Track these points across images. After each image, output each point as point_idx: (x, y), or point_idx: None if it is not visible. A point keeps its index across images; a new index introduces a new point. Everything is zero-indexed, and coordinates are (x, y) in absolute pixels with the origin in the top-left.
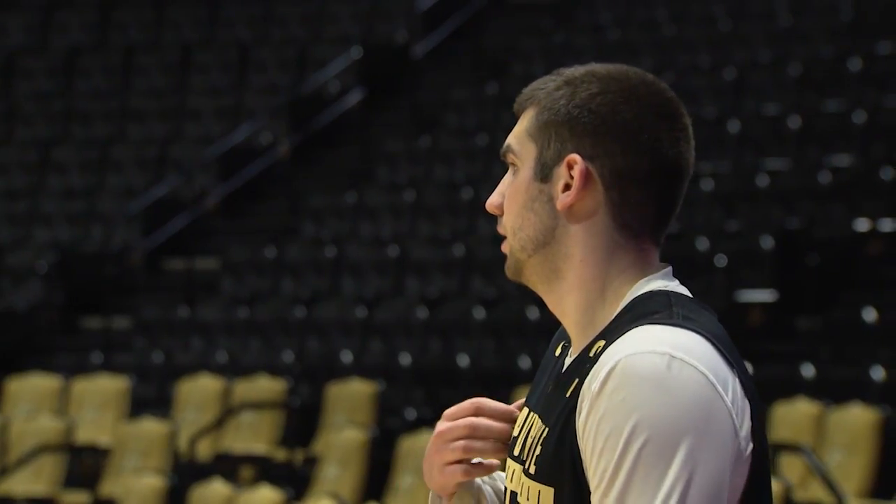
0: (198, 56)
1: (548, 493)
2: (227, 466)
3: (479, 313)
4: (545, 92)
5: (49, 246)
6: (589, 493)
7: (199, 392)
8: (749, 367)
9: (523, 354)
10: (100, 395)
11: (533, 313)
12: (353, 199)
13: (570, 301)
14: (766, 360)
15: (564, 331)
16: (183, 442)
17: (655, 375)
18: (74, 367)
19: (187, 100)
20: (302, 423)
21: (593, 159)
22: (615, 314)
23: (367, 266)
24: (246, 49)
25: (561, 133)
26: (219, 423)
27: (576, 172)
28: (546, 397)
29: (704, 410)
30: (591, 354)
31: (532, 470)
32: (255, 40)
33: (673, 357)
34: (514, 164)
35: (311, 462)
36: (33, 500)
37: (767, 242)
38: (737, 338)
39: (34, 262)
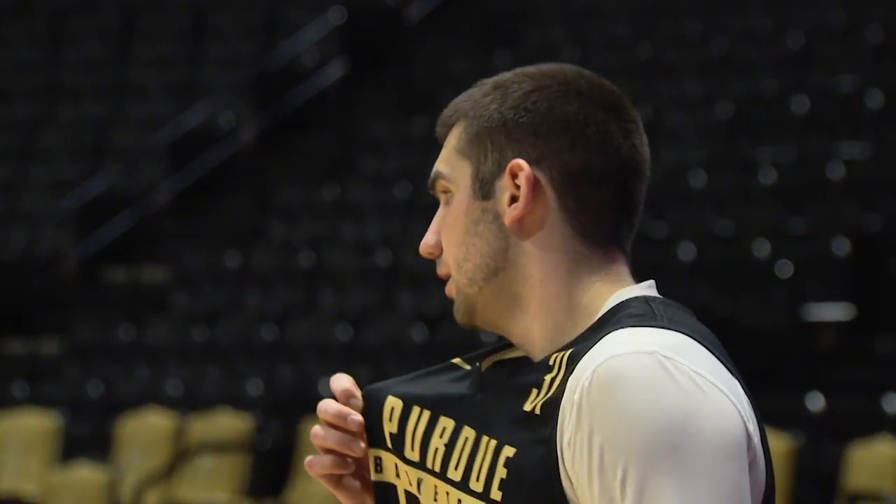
0: (143, 20)
1: None
2: None
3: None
4: (471, 102)
5: None
6: None
7: (145, 431)
8: (820, 400)
9: None
10: (24, 435)
11: None
12: (332, 195)
13: (536, 329)
14: (840, 390)
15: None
16: (126, 492)
17: (645, 376)
18: None
19: (130, 74)
20: (272, 467)
21: (539, 162)
22: (588, 326)
23: (351, 276)
24: (201, 12)
25: (497, 141)
26: (170, 470)
27: (522, 180)
28: (479, 406)
29: (708, 410)
30: (550, 363)
31: (495, 495)
32: (212, 2)
33: (662, 356)
34: (446, 192)
35: None
36: None
37: (841, 247)
38: (803, 363)
39: None
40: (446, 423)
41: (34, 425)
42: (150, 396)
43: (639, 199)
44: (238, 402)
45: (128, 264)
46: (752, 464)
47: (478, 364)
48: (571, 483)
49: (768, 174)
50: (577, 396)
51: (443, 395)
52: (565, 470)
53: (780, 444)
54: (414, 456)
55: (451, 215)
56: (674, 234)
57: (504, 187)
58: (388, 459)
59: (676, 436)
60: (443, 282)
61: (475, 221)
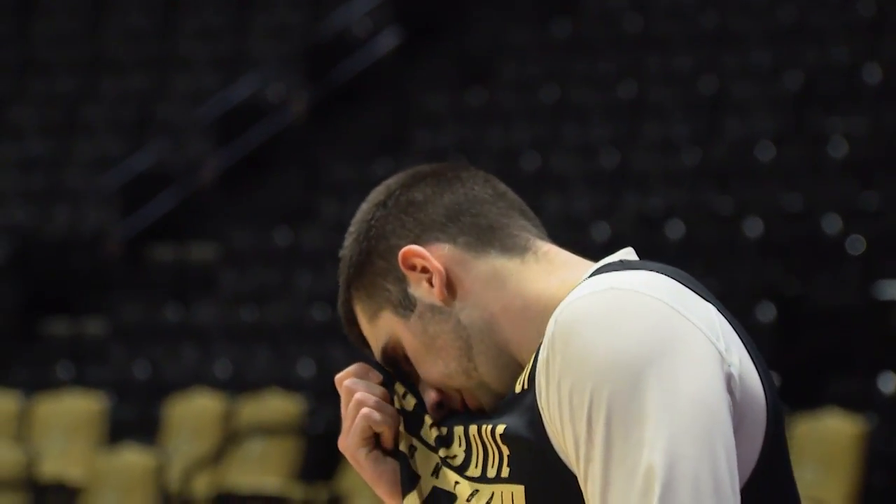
0: None
1: (519, 491)
2: None
3: None
4: (343, 277)
5: (2, 231)
6: (567, 474)
7: (193, 414)
8: (893, 381)
9: None
10: (69, 419)
11: None
12: (385, 170)
13: (528, 345)
14: None
15: None
16: (174, 477)
17: (601, 311)
18: (36, 383)
19: (175, 45)
20: (324, 452)
21: (417, 238)
22: None
23: None
24: None
25: (378, 268)
26: (219, 454)
27: (416, 260)
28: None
29: (669, 332)
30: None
31: (504, 473)
32: None
33: (617, 289)
34: (402, 355)
35: (336, 501)
36: None
37: None
38: (876, 343)
39: None
40: (459, 431)
41: (79, 408)
42: (197, 378)
43: (515, 201)
44: (288, 385)
45: (174, 242)
46: (732, 383)
47: None
48: (556, 437)
49: (839, 147)
50: (545, 354)
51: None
52: (549, 425)
53: (851, 427)
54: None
55: (411, 353)
56: (740, 210)
57: (415, 286)
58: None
59: (639, 365)
60: None
61: (422, 332)
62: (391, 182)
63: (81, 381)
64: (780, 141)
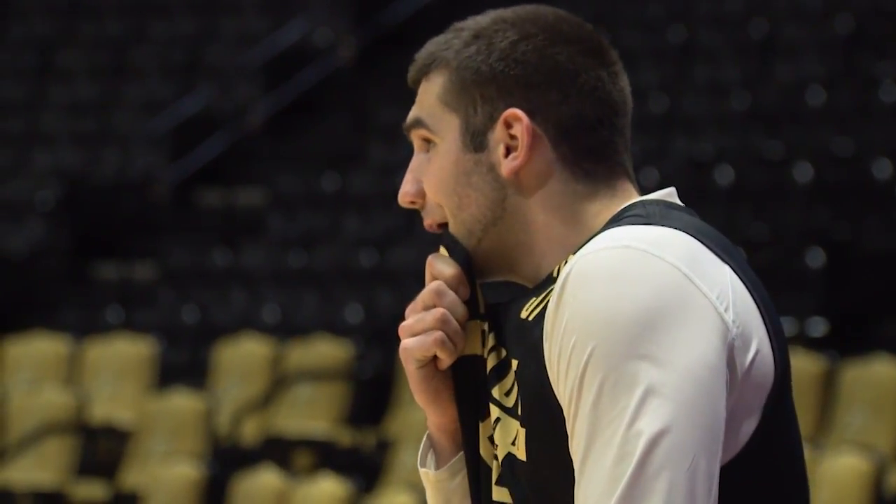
0: None
1: (522, 434)
2: (279, 452)
3: None
4: (453, 51)
5: (52, 174)
6: (562, 422)
7: (242, 358)
8: None
9: None
10: (118, 362)
11: None
12: None
13: (546, 264)
14: None
15: None
16: (223, 421)
17: (610, 269)
18: (86, 327)
19: None
20: (372, 397)
21: (533, 114)
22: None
23: None
24: None
25: (487, 93)
26: (268, 398)
27: (519, 130)
28: (508, 332)
29: (674, 300)
30: (554, 274)
31: (519, 410)
32: None
33: (634, 248)
34: (428, 141)
35: (384, 446)
36: (38, 493)
37: None
38: None
39: (34, 194)
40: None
41: (128, 352)
42: (246, 323)
43: (629, 133)
44: (336, 329)
45: (222, 187)
46: (733, 349)
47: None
48: (555, 386)
49: (890, 91)
50: (555, 300)
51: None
52: (550, 374)
53: None
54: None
55: (437, 165)
56: (790, 154)
57: (498, 139)
58: (477, 327)
59: (637, 331)
60: None
61: (467, 173)
62: (548, 15)
63: (130, 324)
64: (830, 85)
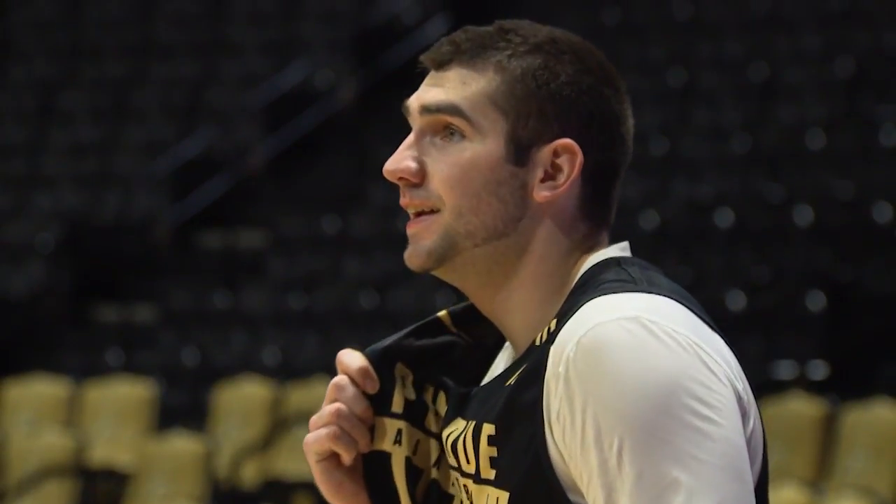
0: None
1: (504, 497)
2: (279, 494)
3: None
4: (509, 56)
5: (53, 216)
6: (559, 491)
7: (242, 400)
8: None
9: None
10: (118, 404)
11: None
12: None
13: (519, 298)
14: None
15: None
16: (223, 463)
17: (631, 342)
18: (86, 369)
19: (225, 31)
20: None
21: (583, 150)
22: (566, 296)
23: None
24: None
25: (545, 110)
26: (268, 441)
27: (567, 162)
28: (474, 398)
29: (695, 369)
30: (538, 342)
31: (491, 475)
32: None
33: (645, 319)
34: (452, 130)
35: None
36: None
37: None
38: None
39: (34, 236)
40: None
41: (128, 394)
42: (246, 365)
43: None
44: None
45: (223, 229)
46: (745, 417)
47: (461, 335)
48: (562, 456)
49: (891, 133)
50: (562, 369)
51: (444, 375)
52: (554, 443)
53: None
54: (435, 428)
55: (467, 161)
56: (790, 196)
57: (540, 161)
58: (392, 425)
59: (668, 398)
60: None
61: (499, 182)
62: (595, 51)
63: (130, 366)
64: (830, 127)
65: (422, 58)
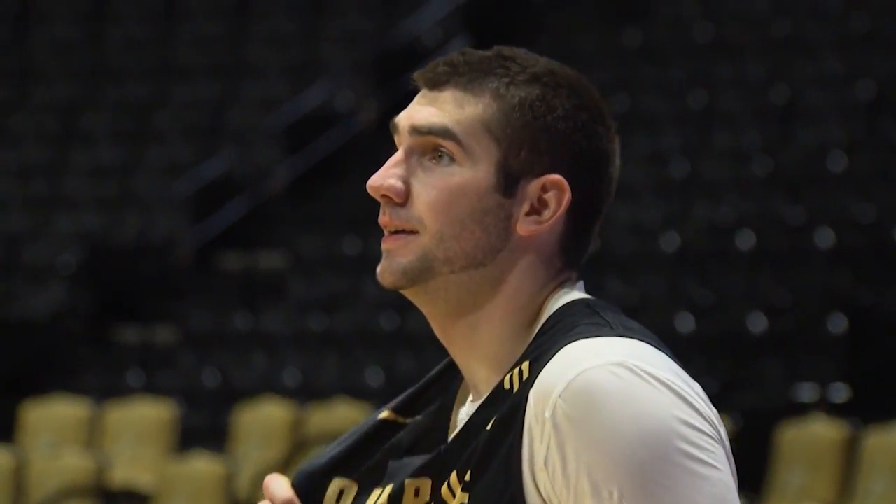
0: None
1: None
2: None
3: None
4: (511, 84)
5: (74, 238)
6: None
7: (262, 421)
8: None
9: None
10: (139, 425)
11: (684, 324)
12: None
13: (486, 332)
14: None
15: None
16: (244, 485)
17: (623, 388)
18: (107, 390)
19: (246, 53)
20: None
21: (571, 187)
22: (533, 336)
23: None
24: None
25: (538, 144)
26: (288, 462)
27: (555, 199)
28: (418, 461)
29: (685, 414)
30: (507, 385)
31: None
32: None
33: (632, 364)
34: (440, 153)
35: None
36: None
37: None
38: None
39: (56, 258)
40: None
41: (149, 415)
42: (266, 386)
43: None
44: (357, 392)
45: (243, 250)
46: (727, 455)
47: (418, 417)
48: (532, 499)
49: None
50: (548, 414)
51: (390, 467)
52: (536, 491)
53: None
54: None
55: (456, 186)
56: (811, 219)
57: (528, 194)
58: None
59: (665, 444)
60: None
61: (485, 211)
62: (591, 87)
63: (151, 388)
64: (851, 150)
65: (415, 75)
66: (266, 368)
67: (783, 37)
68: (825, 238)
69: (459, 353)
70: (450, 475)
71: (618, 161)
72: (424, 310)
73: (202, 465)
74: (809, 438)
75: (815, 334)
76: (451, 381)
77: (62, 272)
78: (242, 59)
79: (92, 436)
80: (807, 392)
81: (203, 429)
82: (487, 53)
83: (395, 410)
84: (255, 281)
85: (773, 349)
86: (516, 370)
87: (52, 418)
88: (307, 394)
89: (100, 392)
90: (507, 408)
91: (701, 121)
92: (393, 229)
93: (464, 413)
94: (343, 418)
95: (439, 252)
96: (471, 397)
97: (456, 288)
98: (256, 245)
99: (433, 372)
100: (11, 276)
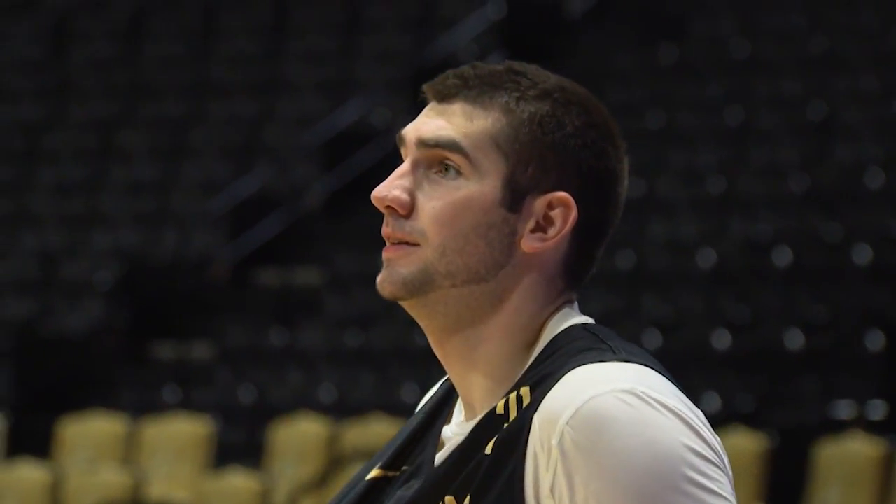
0: (295, 14)
1: None
2: None
3: (653, 336)
4: (521, 98)
5: (111, 255)
6: None
7: (298, 438)
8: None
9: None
10: (175, 442)
11: (721, 341)
12: None
13: (486, 350)
14: None
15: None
16: (279, 501)
17: (632, 414)
18: (143, 406)
19: (282, 70)
20: None
21: (577, 206)
22: (532, 359)
23: None
24: (355, 5)
25: (546, 161)
26: (323, 478)
27: (560, 217)
28: (427, 478)
29: (692, 440)
30: (501, 410)
31: None
32: None
33: (639, 391)
34: (447, 166)
35: None
36: None
37: None
38: None
39: (92, 275)
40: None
41: (186, 431)
42: (302, 402)
43: None
44: (393, 409)
45: (280, 267)
46: (729, 480)
47: (405, 468)
48: None
49: None
50: (555, 441)
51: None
52: None
53: None
54: None
55: (462, 200)
56: (849, 236)
57: (534, 210)
58: None
59: (673, 472)
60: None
61: (489, 226)
62: (601, 106)
63: (187, 404)
64: (889, 167)
65: (424, 87)
66: (302, 385)
67: (820, 53)
68: (862, 255)
69: (455, 369)
70: (444, 498)
71: (626, 182)
72: (422, 323)
73: (238, 482)
74: (846, 456)
75: (853, 351)
76: (442, 418)
77: (99, 289)
78: (279, 76)
79: (128, 452)
80: (844, 409)
81: (239, 445)
82: (498, 67)
83: (383, 468)
84: (290, 297)
85: (810, 366)
86: (514, 395)
87: (88, 434)
88: (343, 410)
89: (136, 408)
90: (508, 432)
91: (737, 137)
92: (395, 241)
93: (449, 431)
94: (378, 434)
95: (441, 265)
96: (462, 416)
97: (456, 302)
98: (292, 262)
99: (416, 421)
100: (49, 293)
